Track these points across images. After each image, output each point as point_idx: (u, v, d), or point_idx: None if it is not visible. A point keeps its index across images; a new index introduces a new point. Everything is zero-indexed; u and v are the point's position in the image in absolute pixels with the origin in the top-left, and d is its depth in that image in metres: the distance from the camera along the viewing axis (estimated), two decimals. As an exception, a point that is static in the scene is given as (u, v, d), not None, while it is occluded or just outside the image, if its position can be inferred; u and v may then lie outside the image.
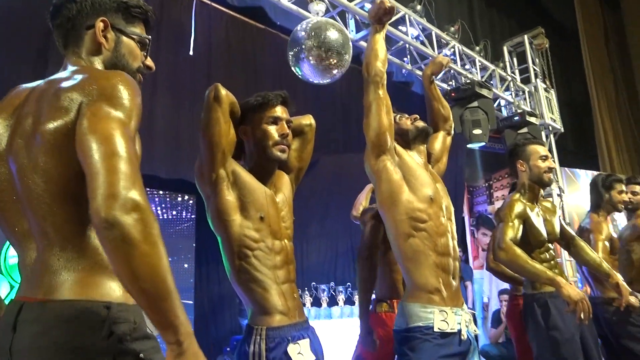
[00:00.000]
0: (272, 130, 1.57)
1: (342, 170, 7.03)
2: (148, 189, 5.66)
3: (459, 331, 1.60)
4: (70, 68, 1.01)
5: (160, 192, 6.19)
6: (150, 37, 1.13)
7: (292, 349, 1.42)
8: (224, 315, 7.26)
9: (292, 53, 3.08)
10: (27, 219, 0.93)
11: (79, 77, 0.93)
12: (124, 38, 1.07)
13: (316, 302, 6.73)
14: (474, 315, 2.39)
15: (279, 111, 1.61)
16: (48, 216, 0.90)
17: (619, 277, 2.46)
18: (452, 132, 2.22)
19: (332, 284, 6.84)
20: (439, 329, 1.57)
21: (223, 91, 1.51)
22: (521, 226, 2.33)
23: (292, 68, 3.15)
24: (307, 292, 6.75)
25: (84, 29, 1.04)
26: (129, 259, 0.77)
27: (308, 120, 1.79)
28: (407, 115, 1.97)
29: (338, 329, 6.11)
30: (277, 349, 1.41)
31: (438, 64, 2.24)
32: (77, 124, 0.86)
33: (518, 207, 2.37)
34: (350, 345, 5.77)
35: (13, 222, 0.95)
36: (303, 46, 3.02)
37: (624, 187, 3.13)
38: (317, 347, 1.54)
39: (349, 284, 6.69)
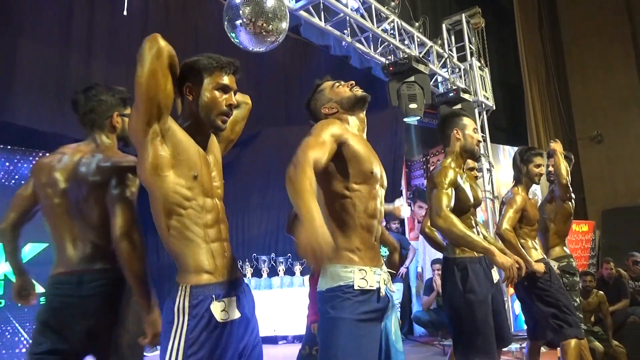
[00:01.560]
0: (221, 98, 1.54)
1: (284, 141, 7.02)
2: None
3: (378, 289, 1.67)
4: (100, 145, 1.95)
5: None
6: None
7: (215, 306, 1.43)
8: (163, 286, 7.18)
9: (227, 19, 3.02)
10: (82, 232, 1.85)
11: (111, 156, 1.89)
12: (125, 119, 1.97)
13: (257, 273, 6.79)
14: (393, 276, 2.50)
15: (229, 80, 1.58)
16: (93, 233, 1.83)
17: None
18: None
19: (272, 255, 6.91)
20: (358, 286, 1.62)
21: (162, 42, 1.44)
22: (453, 193, 2.43)
23: (228, 34, 3.10)
24: (247, 263, 6.79)
25: (105, 118, 1.96)
26: (131, 260, 1.71)
27: (247, 99, 1.87)
28: (343, 82, 1.92)
29: (278, 299, 6.23)
30: (200, 305, 1.42)
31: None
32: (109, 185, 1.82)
33: (451, 174, 2.46)
34: (290, 313, 5.91)
35: (63, 231, 1.87)
36: (239, 13, 2.96)
37: (541, 161, 3.31)
38: (247, 306, 1.54)
39: (289, 254, 6.78)
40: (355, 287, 1.62)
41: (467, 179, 2.61)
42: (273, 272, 6.77)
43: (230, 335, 1.46)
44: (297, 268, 6.69)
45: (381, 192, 1.80)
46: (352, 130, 1.81)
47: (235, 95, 1.61)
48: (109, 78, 5.19)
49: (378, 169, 1.78)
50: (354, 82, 1.92)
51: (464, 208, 2.51)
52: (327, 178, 1.72)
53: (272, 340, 6.18)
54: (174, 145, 1.48)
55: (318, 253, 1.30)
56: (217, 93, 1.55)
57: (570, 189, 3.44)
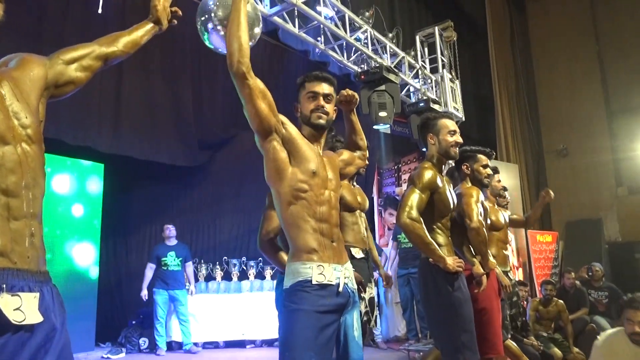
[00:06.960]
0: None
1: (257, 146, 7.02)
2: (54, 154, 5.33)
3: (338, 284, 1.74)
4: None
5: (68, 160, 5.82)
6: None
7: (5, 300, 1.05)
8: (131, 289, 7.09)
9: (199, 22, 3.05)
10: None
11: None
12: None
13: (227, 276, 6.77)
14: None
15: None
16: None
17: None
18: (366, 161, 2.21)
19: (243, 258, 6.90)
20: (316, 281, 1.70)
21: None
22: (428, 194, 2.47)
23: (201, 37, 3.13)
24: (218, 266, 6.76)
25: None
26: None
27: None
28: (316, 96, 1.89)
29: (248, 303, 6.21)
30: None
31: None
32: None
33: (428, 174, 2.49)
34: (259, 317, 5.89)
35: None
36: (212, 16, 2.99)
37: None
38: (52, 311, 1.15)
39: (260, 259, 6.78)
40: (314, 282, 1.69)
41: (447, 183, 2.63)
42: (243, 276, 6.76)
43: (22, 346, 1.08)
44: (268, 272, 6.71)
45: (332, 197, 1.85)
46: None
47: None
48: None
49: (324, 173, 1.85)
50: (322, 105, 1.88)
51: (443, 211, 2.54)
52: (279, 183, 1.80)
53: (241, 344, 6.16)
54: None
55: None
56: None
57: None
